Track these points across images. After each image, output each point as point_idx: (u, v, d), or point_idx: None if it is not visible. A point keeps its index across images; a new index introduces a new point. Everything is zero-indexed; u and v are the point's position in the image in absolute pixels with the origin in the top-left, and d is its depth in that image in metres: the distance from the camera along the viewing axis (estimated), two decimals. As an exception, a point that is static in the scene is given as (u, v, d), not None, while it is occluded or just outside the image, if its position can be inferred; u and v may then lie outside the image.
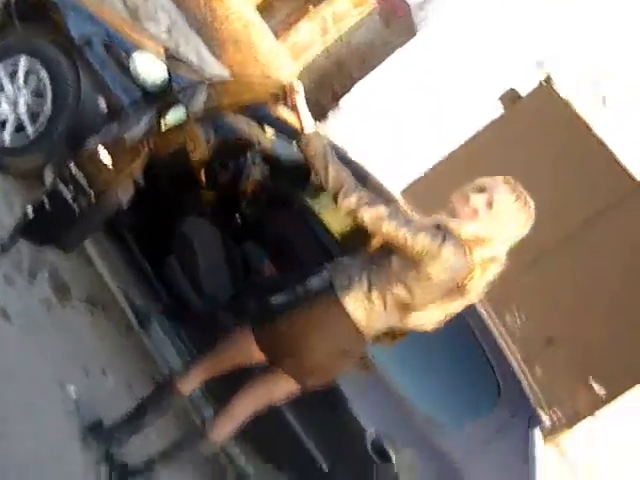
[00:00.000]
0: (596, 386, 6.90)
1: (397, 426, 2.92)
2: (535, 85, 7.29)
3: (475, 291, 2.32)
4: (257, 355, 2.51)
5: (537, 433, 3.01)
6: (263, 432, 3.00)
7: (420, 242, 2.16)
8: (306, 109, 2.26)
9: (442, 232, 2.18)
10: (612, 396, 7.00)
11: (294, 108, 2.28)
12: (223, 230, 3.79)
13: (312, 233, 4.22)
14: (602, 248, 6.43)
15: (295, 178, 4.25)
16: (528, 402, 3.05)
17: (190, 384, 2.65)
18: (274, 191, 3.96)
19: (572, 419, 6.56)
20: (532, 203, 2.28)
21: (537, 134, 7.06)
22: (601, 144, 6.87)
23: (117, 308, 3.44)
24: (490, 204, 2.21)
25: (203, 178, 3.70)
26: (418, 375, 3.02)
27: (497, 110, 7.10)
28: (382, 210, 2.19)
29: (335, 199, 2.26)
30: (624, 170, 6.54)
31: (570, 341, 6.89)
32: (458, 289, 2.28)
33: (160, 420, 2.76)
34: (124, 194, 2.54)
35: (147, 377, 3.46)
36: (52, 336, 2.99)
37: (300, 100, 2.28)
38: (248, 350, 2.52)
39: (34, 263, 3.11)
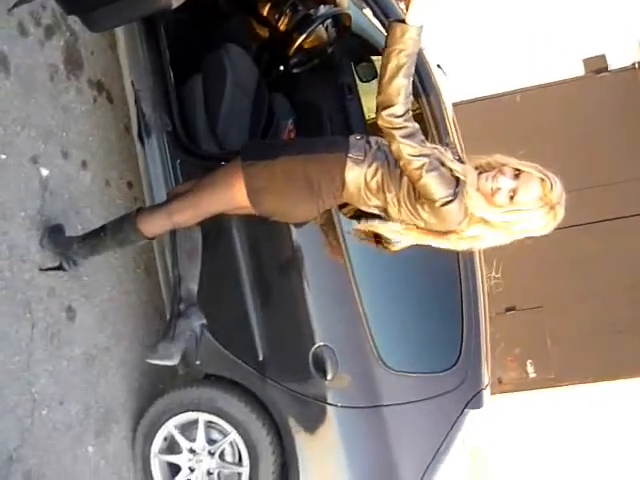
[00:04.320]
0: (530, 369, 6.95)
1: (346, 350, 2.80)
2: (627, 64, 6.75)
3: (453, 245, 2.19)
4: (239, 195, 2.25)
5: (471, 415, 2.92)
6: (217, 296, 2.88)
7: (429, 191, 2.04)
8: (422, 4, 1.88)
9: (455, 191, 2.04)
10: (539, 385, 7.09)
11: None
12: (261, 73, 3.47)
13: (346, 112, 3.95)
14: (611, 253, 6.26)
15: (354, 54, 3.90)
16: (479, 381, 2.94)
17: (154, 228, 2.42)
18: (329, 58, 3.61)
19: (494, 389, 6.60)
20: (562, 213, 2.06)
21: (605, 114, 6.64)
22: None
23: (122, 106, 3.18)
24: (512, 196, 2.03)
25: (266, 12, 3.33)
26: (389, 310, 2.87)
27: (578, 69, 6.61)
28: (411, 150, 2.02)
29: (378, 108, 2.03)
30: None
31: (529, 318, 6.86)
32: (439, 232, 2.16)
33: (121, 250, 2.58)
34: (177, -2, 2.19)
35: (125, 186, 3.26)
36: (42, 106, 2.72)
37: None
38: (231, 188, 2.25)
39: (56, 23, 2.78)
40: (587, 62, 6.95)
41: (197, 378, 3.00)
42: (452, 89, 3.91)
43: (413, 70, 1.97)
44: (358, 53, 3.90)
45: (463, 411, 2.93)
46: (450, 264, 2.82)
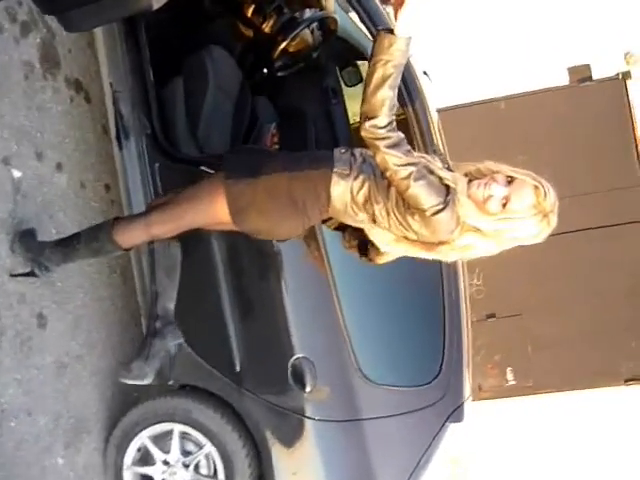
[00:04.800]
0: (510, 376, 6.94)
1: (326, 363, 2.74)
2: (611, 74, 6.77)
3: (444, 256, 2.14)
4: (220, 212, 2.19)
5: (452, 428, 2.87)
6: (194, 304, 2.80)
7: (419, 201, 1.97)
8: (411, 11, 1.82)
9: (446, 199, 1.98)
10: (518, 393, 7.09)
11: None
12: (245, 75, 3.40)
13: (330, 117, 3.89)
14: (593, 262, 6.27)
15: (340, 58, 3.85)
16: (460, 395, 2.89)
17: (131, 240, 2.35)
18: (314, 62, 3.55)
19: (474, 396, 6.58)
20: (554, 222, 2.01)
21: (587, 124, 6.65)
22: (640, 165, 6.53)
23: (100, 106, 3.09)
24: (505, 204, 1.98)
25: (249, 12, 3.26)
26: (371, 322, 2.81)
27: (562, 78, 6.62)
28: (397, 159, 1.96)
29: (361, 118, 1.97)
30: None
31: (510, 325, 6.84)
32: (430, 243, 2.10)
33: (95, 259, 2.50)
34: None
35: (102, 188, 3.17)
36: (16, 105, 2.62)
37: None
38: (213, 205, 2.19)
39: (32, 20, 2.69)
40: (572, 71, 6.96)
41: (172, 388, 2.92)
42: (437, 95, 3.87)
43: (399, 81, 1.91)
44: (343, 57, 3.85)
45: (444, 425, 2.88)
46: (433, 276, 2.77)
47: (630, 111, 6.82)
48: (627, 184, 6.45)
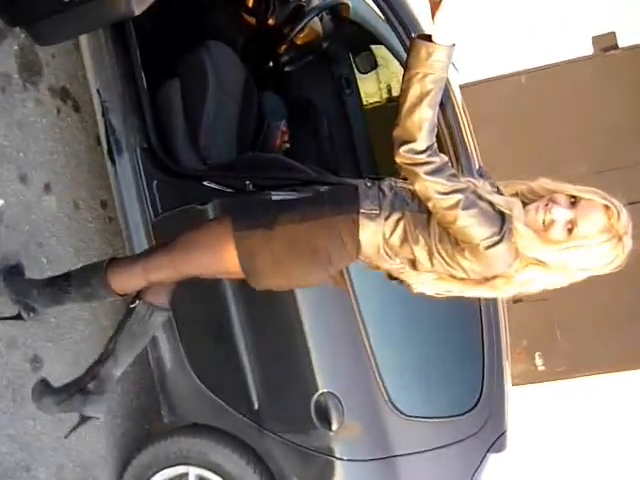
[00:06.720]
0: (539, 361, 6.68)
1: (353, 397, 2.45)
2: (637, 41, 6.37)
3: (499, 292, 1.83)
4: (230, 263, 1.89)
5: (492, 459, 2.61)
6: (205, 335, 2.54)
7: (470, 233, 1.68)
8: (450, 16, 1.51)
9: (502, 229, 1.68)
10: (549, 378, 6.82)
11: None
12: (249, 70, 3.08)
13: (344, 109, 3.58)
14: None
15: (352, 44, 3.51)
16: (502, 423, 2.61)
17: (128, 285, 2.06)
18: (324, 53, 3.23)
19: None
20: (629, 243, 1.70)
21: (611, 95, 6.30)
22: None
23: (93, 114, 2.78)
24: (571, 230, 1.67)
25: (251, 3, 2.93)
26: (401, 349, 2.52)
27: (586, 48, 6.25)
28: (441, 187, 1.67)
29: (395, 142, 1.68)
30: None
31: (537, 310, 6.54)
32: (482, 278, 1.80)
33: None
34: (140, 2, 1.79)
35: (98, 205, 2.88)
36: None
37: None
38: (220, 258, 1.90)
39: (5, 27, 2.37)
40: (596, 40, 6.58)
41: (185, 425, 2.66)
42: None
43: (439, 99, 1.60)
44: (356, 43, 3.52)
45: (485, 456, 2.62)
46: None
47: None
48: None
